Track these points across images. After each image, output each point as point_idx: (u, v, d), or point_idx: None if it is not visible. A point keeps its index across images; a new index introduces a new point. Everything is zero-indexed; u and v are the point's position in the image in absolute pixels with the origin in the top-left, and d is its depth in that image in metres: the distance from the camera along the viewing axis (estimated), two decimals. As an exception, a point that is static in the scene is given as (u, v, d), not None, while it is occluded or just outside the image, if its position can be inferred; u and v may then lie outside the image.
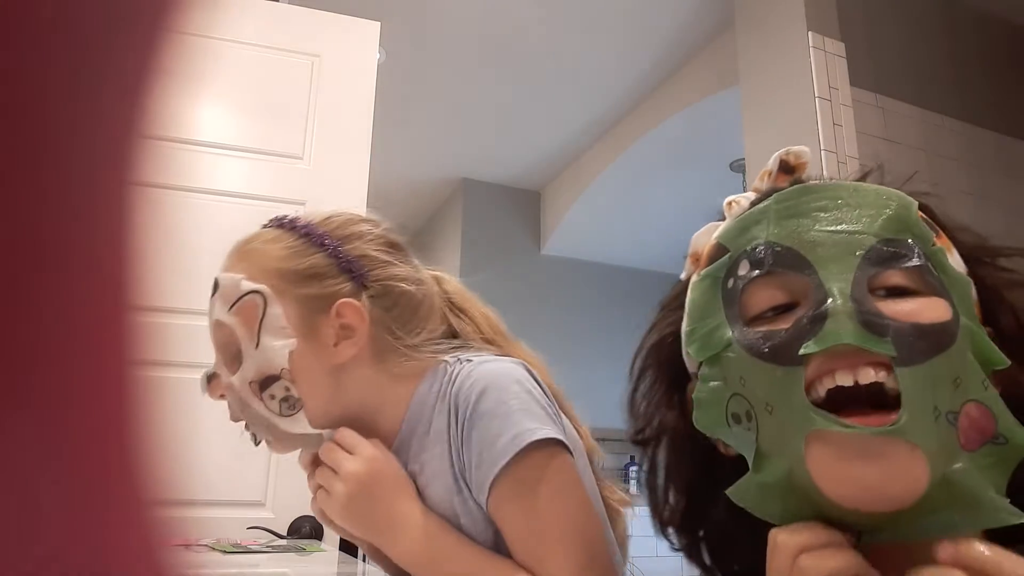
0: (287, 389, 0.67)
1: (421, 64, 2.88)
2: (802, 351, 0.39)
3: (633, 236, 3.90)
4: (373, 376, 0.70)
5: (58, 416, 0.12)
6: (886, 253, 0.41)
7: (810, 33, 1.96)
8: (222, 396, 0.69)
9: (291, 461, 1.74)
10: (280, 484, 1.55)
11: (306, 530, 1.50)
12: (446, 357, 0.72)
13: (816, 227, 0.43)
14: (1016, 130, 2.26)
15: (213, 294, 0.69)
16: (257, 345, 0.66)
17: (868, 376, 0.38)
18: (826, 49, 1.97)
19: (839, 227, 0.42)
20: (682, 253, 0.56)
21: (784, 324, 0.41)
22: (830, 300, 0.39)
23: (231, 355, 0.67)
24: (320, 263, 0.70)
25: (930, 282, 0.41)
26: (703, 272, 0.48)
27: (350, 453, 0.66)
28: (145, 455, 0.13)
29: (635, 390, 0.54)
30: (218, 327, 0.68)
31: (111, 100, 0.13)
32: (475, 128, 3.40)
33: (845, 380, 0.39)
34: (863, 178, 0.50)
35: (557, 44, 2.75)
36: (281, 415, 0.67)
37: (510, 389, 0.64)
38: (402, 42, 2.70)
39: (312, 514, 0.73)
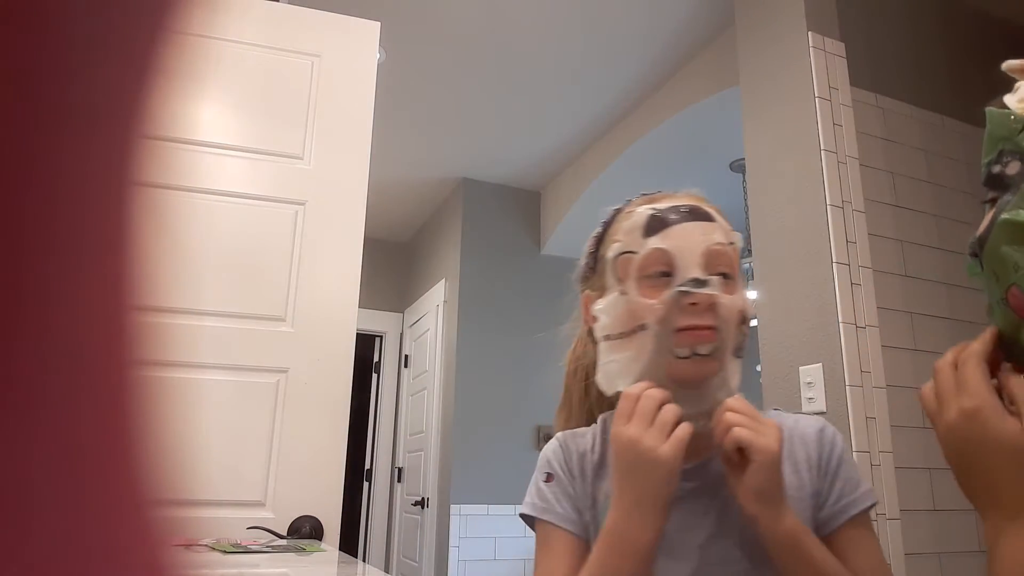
0: (747, 337, 0.76)
1: (421, 64, 2.88)
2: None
3: (633, 236, 3.89)
4: None
5: (58, 416, 0.12)
6: (989, 180, 0.54)
7: (810, 33, 1.96)
8: (696, 300, 0.71)
9: (291, 461, 1.73)
10: (280, 484, 1.55)
11: (306, 530, 1.50)
12: None
13: None
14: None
15: (701, 219, 0.75)
16: (742, 287, 0.76)
17: None
18: (826, 49, 1.97)
19: None
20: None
21: None
22: None
23: (714, 273, 0.73)
24: None
25: (999, 193, 0.52)
26: None
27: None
28: (146, 455, 0.13)
29: None
30: (720, 249, 0.74)
31: (112, 100, 0.13)
32: (475, 128, 3.40)
33: None
34: None
35: (557, 44, 2.75)
36: (734, 352, 0.73)
37: None
38: (402, 42, 2.70)
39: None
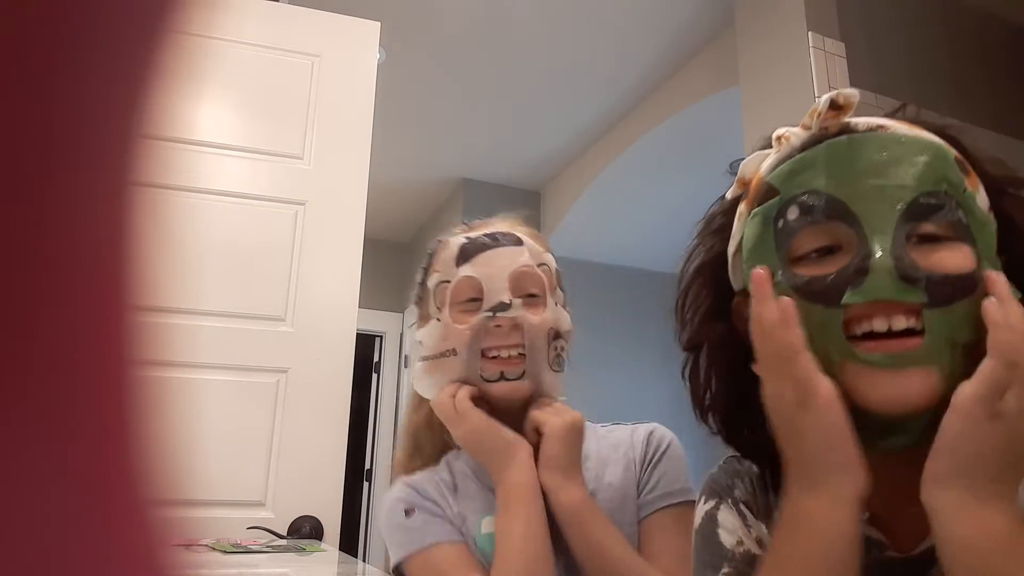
0: (565, 350, 0.82)
1: (421, 64, 2.88)
2: (845, 300, 0.45)
3: (633, 236, 3.89)
4: None
5: (58, 416, 0.12)
6: (923, 207, 0.46)
7: (810, 33, 1.96)
8: (500, 323, 0.77)
9: (291, 461, 1.73)
10: (280, 484, 1.55)
11: (306, 530, 1.50)
12: None
13: (863, 180, 0.48)
14: (1016, 130, 2.26)
15: (509, 244, 0.80)
16: (555, 304, 0.81)
17: (900, 323, 0.45)
18: (826, 49, 1.97)
19: (882, 181, 0.47)
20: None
21: (827, 268, 0.47)
22: (875, 255, 0.45)
23: (522, 295, 0.79)
24: None
25: (959, 230, 0.47)
26: (755, 210, 0.52)
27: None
28: (145, 455, 0.13)
29: (683, 303, 0.60)
30: (527, 271, 0.79)
31: (111, 100, 0.13)
32: (475, 128, 3.40)
33: (881, 326, 0.45)
34: (892, 115, 0.54)
35: (557, 44, 2.75)
36: (551, 366, 0.80)
37: None
38: (402, 42, 2.70)
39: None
